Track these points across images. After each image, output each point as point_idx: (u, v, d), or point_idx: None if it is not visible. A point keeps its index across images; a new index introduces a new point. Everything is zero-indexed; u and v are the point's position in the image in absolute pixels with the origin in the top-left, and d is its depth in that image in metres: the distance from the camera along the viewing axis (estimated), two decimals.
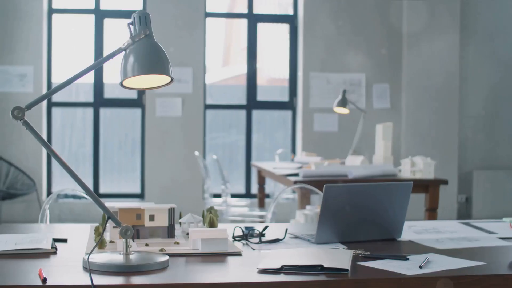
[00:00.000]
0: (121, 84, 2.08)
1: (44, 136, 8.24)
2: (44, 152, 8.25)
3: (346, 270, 1.92)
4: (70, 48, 8.52)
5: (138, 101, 8.48)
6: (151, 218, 2.39)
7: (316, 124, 8.51)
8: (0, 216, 7.76)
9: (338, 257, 2.08)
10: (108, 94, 8.49)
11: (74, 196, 8.10)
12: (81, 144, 8.65)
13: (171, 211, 2.41)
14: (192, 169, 8.08)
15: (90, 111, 8.51)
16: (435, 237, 2.58)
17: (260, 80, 8.95)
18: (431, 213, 5.10)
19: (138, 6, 8.46)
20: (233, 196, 8.26)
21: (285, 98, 8.84)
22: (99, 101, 8.49)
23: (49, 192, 8.26)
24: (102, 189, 8.55)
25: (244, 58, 8.79)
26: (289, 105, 8.81)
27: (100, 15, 8.41)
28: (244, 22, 8.79)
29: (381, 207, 2.46)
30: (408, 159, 5.26)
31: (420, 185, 5.17)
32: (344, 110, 6.62)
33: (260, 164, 6.71)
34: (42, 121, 8.17)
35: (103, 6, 8.42)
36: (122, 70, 2.06)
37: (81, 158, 8.64)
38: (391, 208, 2.47)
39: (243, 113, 8.78)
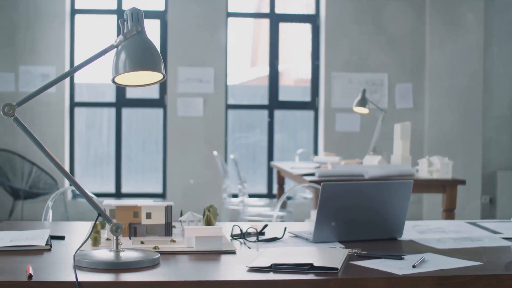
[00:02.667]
0: (113, 80, 2.07)
1: (67, 136, 8.31)
2: (67, 151, 8.32)
3: (336, 269, 1.90)
4: (92, 49, 8.57)
5: (160, 101, 8.50)
6: (148, 216, 2.39)
7: (338, 124, 8.46)
8: (23, 215, 7.83)
9: (330, 256, 2.05)
10: (130, 94, 8.53)
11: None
12: (104, 144, 8.69)
13: (168, 209, 2.40)
14: (214, 169, 8.07)
15: (112, 111, 8.56)
16: (438, 236, 2.53)
17: (282, 80, 8.93)
18: (449, 213, 5.03)
19: (160, 7, 8.49)
20: (255, 196, 8.26)
21: (307, 98, 8.81)
22: (122, 101, 8.53)
23: (71, 192, 8.32)
24: (124, 189, 8.59)
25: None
26: (311, 105, 8.77)
27: (122, 15, 8.42)
28: (266, 22, 8.77)
29: (380, 206, 2.42)
30: (425, 159, 5.20)
31: (438, 185, 5.11)
32: (363, 110, 6.57)
33: (279, 164, 6.69)
34: (65, 121, 8.23)
35: (125, 7, 8.46)
36: (113, 66, 2.05)
37: (103, 158, 8.69)
38: (391, 207, 2.44)
39: (265, 113, 8.77)
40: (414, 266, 1.96)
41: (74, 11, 8.38)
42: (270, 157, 8.72)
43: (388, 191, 2.42)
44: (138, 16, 2.09)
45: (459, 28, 8.34)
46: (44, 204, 8.07)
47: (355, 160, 6.16)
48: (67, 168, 8.31)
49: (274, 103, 8.74)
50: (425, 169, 5.18)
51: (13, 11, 8.05)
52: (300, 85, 9.33)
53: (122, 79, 2.10)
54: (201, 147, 8.28)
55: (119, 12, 8.43)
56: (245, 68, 9.36)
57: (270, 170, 8.66)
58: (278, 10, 8.72)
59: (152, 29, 8.53)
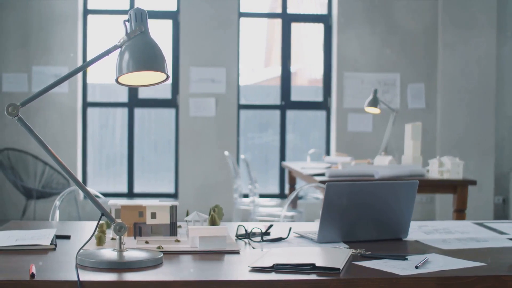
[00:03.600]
0: (117, 80, 2.08)
1: (79, 136, 8.34)
2: (79, 151, 8.36)
3: (338, 269, 1.89)
4: (104, 49, 8.59)
5: (172, 101, 8.52)
6: (153, 215, 2.40)
7: (350, 124, 8.44)
8: (35, 215, 7.87)
9: (333, 256, 2.05)
10: (142, 94, 8.56)
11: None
12: (116, 144, 8.73)
13: (173, 209, 2.41)
14: (226, 169, 8.08)
15: (125, 111, 8.59)
16: (444, 237, 2.52)
17: (294, 80, 8.93)
18: (459, 214, 5.01)
19: (172, 7, 8.51)
20: (267, 196, 8.26)
21: (319, 98, 8.80)
22: (134, 101, 8.56)
23: None
24: (137, 189, 8.62)
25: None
26: (323, 105, 8.76)
27: None
28: (278, 22, 8.78)
29: (385, 206, 2.41)
30: (436, 159, 5.18)
31: (449, 186, 5.08)
32: (375, 110, 6.56)
33: (290, 164, 6.68)
34: (77, 121, 8.26)
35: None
36: (117, 66, 2.06)
37: (116, 158, 8.72)
38: (396, 207, 2.43)
39: (277, 113, 8.77)
40: (417, 267, 1.96)
41: (86, 12, 8.42)
42: (283, 157, 8.72)
43: (393, 191, 2.41)
44: (141, 16, 2.11)
45: (472, 27, 8.30)
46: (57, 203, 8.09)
47: (366, 160, 6.15)
48: (79, 168, 8.35)
49: (287, 103, 8.74)
50: (435, 170, 5.16)
51: (26, 12, 8.10)
52: (312, 85, 9.32)
53: (126, 79, 2.11)
54: (213, 147, 8.29)
55: None
56: (260, 68, 9.35)
57: (282, 170, 8.65)
58: (290, 10, 8.72)
59: (164, 29, 8.56)
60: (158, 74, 2.11)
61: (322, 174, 5.21)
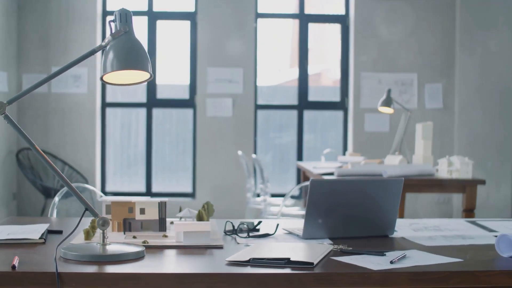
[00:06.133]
0: (101, 79, 2.14)
1: (98, 136, 8.45)
2: (98, 151, 8.46)
3: (312, 264, 1.93)
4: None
5: (190, 102, 8.59)
6: (142, 211, 2.45)
7: (367, 124, 8.44)
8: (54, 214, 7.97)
9: (310, 251, 2.08)
10: (161, 94, 8.64)
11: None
12: (134, 144, 8.82)
13: (162, 205, 2.46)
14: (242, 168, 8.13)
15: (143, 111, 8.68)
16: (431, 234, 2.54)
17: (319, 81, 8.97)
18: (468, 213, 5.00)
19: (190, 7, 8.58)
20: (283, 196, 8.28)
21: (336, 98, 8.81)
22: (152, 101, 8.64)
23: (102, 191, 8.45)
24: (155, 188, 8.70)
25: (310, 60, 8.80)
26: (340, 105, 8.77)
27: (153, 16, 8.57)
28: (296, 23, 8.80)
29: (371, 203, 2.44)
30: (445, 159, 5.18)
31: (458, 185, 5.07)
32: (388, 110, 6.56)
33: (303, 164, 6.71)
34: (96, 121, 8.36)
35: (156, 8, 8.57)
36: (102, 65, 2.12)
37: (134, 158, 8.82)
38: (382, 204, 2.45)
39: (294, 113, 8.79)
40: (392, 262, 1.98)
41: (105, 13, 8.51)
42: (300, 157, 8.75)
43: (378, 188, 2.44)
44: (126, 16, 2.16)
45: (490, 27, 8.26)
46: (75, 203, 8.20)
47: (377, 160, 6.15)
48: (98, 168, 8.45)
49: (304, 104, 8.76)
50: (445, 169, 5.15)
51: (45, 14, 8.23)
52: (329, 85, 9.33)
53: (110, 78, 2.16)
54: (230, 147, 8.34)
55: (150, 13, 8.54)
56: (286, 69, 9.37)
57: (298, 170, 8.68)
58: (307, 10, 8.75)
59: (182, 30, 8.63)
60: (142, 73, 2.17)
61: (332, 173, 5.24)
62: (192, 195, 8.60)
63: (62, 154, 8.19)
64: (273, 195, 7.65)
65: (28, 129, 8.07)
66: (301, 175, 7.64)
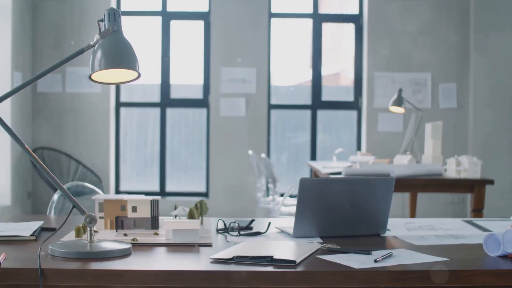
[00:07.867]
0: (90, 77, 2.16)
1: (112, 136, 8.50)
2: (112, 151, 8.51)
3: (294, 262, 1.93)
4: (136, 50, 8.73)
5: (204, 101, 8.62)
6: (134, 209, 2.47)
7: (381, 124, 8.42)
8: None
9: (294, 249, 2.09)
10: (174, 94, 8.68)
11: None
12: (149, 143, 8.86)
13: (154, 203, 2.47)
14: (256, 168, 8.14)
15: (157, 111, 8.72)
16: (424, 234, 2.53)
17: (337, 81, 8.96)
18: (477, 213, 4.96)
19: (204, 7, 8.60)
20: (294, 196, 8.27)
21: (350, 98, 8.80)
22: (166, 101, 8.68)
23: (116, 190, 8.50)
24: (169, 188, 8.74)
25: (329, 60, 8.79)
26: (354, 105, 8.75)
27: (167, 17, 8.61)
28: (309, 22, 8.80)
29: (362, 202, 2.43)
30: (453, 158, 5.14)
31: (466, 185, 5.04)
32: (399, 109, 6.54)
33: (314, 164, 6.71)
34: (110, 121, 8.42)
35: (170, 8, 8.61)
36: (90, 64, 2.13)
37: (148, 157, 8.86)
38: (373, 203, 2.44)
39: (308, 113, 8.79)
40: (376, 261, 1.98)
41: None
42: (313, 157, 8.74)
43: (369, 187, 2.43)
44: (115, 16, 2.18)
45: (504, 27, 8.20)
46: (89, 202, 8.31)
47: (386, 159, 6.13)
48: (112, 167, 8.50)
49: (317, 103, 8.75)
50: (453, 169, 5.12)
51: (59, 14, 8.30)
52: (348, 85, 9.31)
53: (99, 77, 2.18)
54: (243, 147, 8.36)
55: (163, 13, 8.58)
56: (305, 69, 9.37)
57: (311, 170, 8.67)
58: (321, 10, 8.74)
59: (196, 30, 8.66)
60: (130, 72, 2.18)
61: (339, 173, 5.23)
62: (205, 194, 8.63)
63: (76, 153, 8.25)
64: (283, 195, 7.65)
65: (42, 129, 8.15)
66: (313, 175, 7.62)
